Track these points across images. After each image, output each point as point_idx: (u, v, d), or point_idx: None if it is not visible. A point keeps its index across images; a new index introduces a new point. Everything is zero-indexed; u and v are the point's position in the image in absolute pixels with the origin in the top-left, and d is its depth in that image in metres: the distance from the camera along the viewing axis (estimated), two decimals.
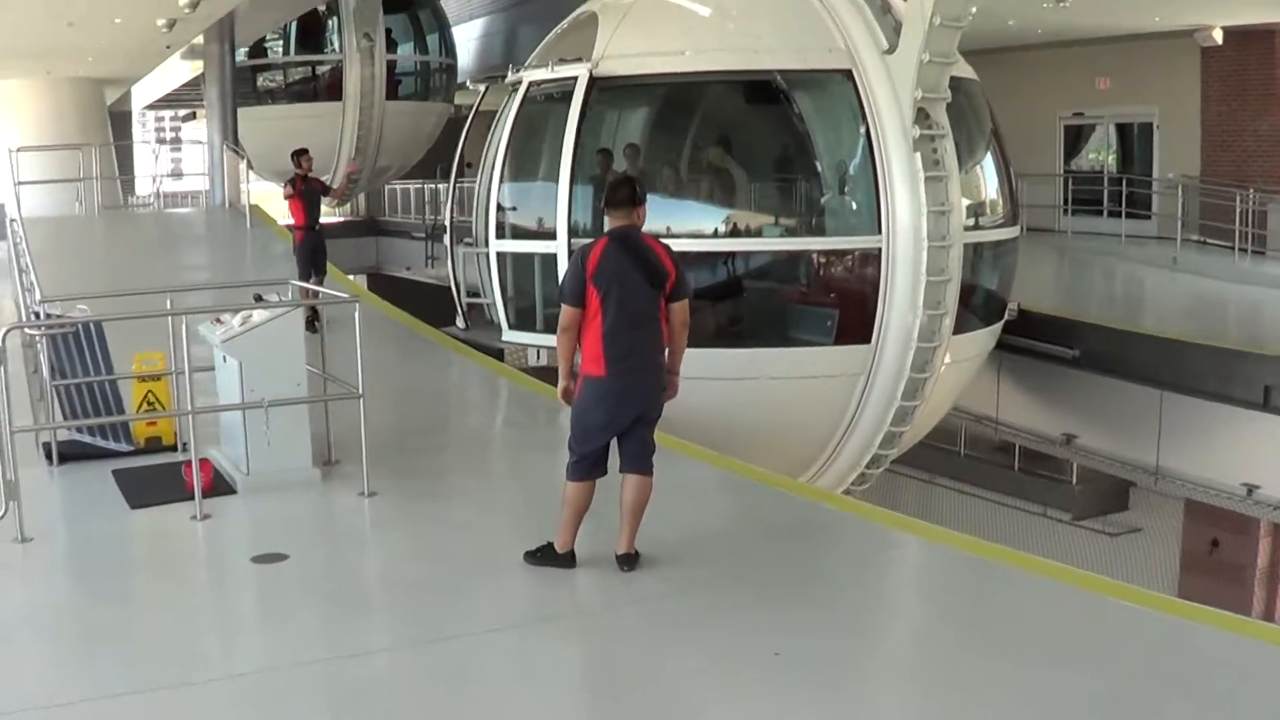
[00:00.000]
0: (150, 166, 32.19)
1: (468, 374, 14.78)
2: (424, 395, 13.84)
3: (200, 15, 19.77)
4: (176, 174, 30.04)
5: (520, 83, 16.48)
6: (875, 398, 15.02)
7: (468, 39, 34.98)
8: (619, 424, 7.45)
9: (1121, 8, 22.00)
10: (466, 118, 19.72)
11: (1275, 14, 23.57)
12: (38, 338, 10.69)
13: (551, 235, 15.15)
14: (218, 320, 9.82)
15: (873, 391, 14.98)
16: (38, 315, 10.85)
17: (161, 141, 45.34)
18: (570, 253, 14.22)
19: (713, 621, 7.00)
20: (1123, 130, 28.13)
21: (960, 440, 22.19)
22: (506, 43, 35.73)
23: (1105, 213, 26.21)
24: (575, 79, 15.23)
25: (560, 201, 14.90)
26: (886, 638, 7.26)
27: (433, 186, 36.80)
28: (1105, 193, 26.71)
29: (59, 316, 10.43)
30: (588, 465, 7.48)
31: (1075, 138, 28.68)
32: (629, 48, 15.39)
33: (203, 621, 7.22)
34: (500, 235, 16.01)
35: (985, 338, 16.60)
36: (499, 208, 16.06)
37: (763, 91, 15.32)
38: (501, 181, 16.06)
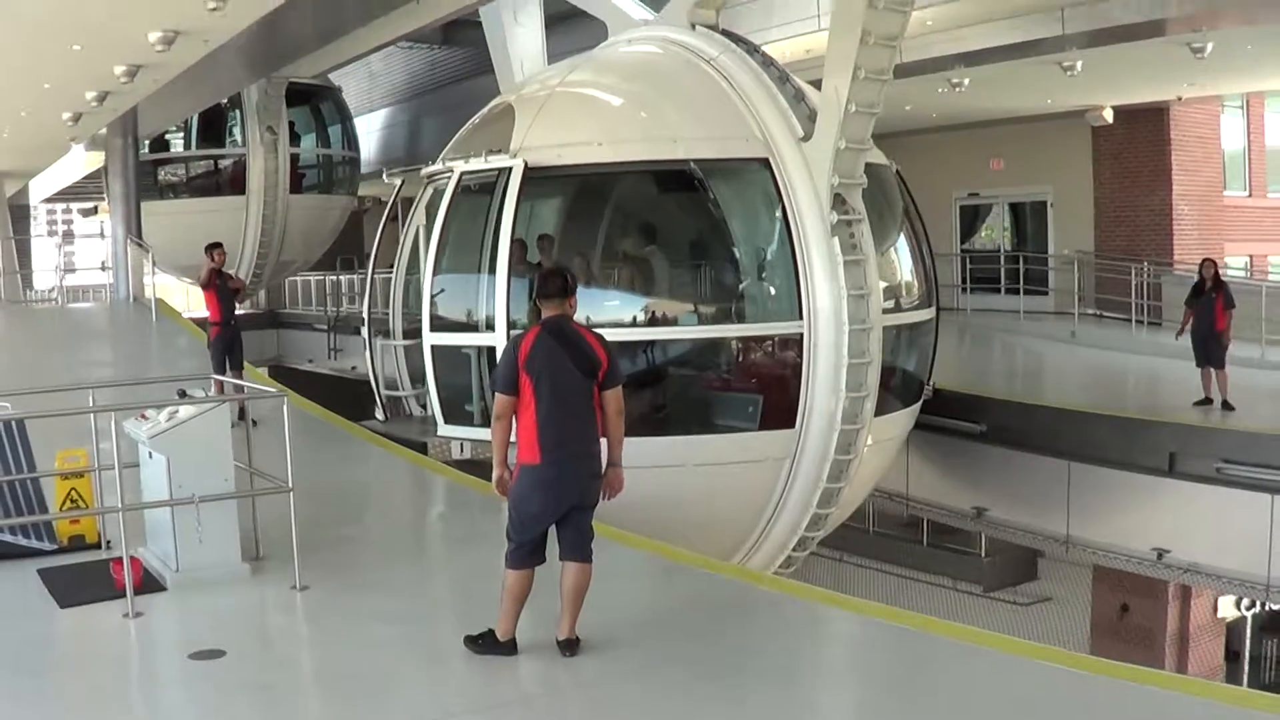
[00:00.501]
0: (52, 260, 31.61)
1: (391, 467, 14.70)
2: (348, 489, 13.75)
3: (106, 109, 19.71)
4: (71, 269, 29.53)
5: (441, 174, 16.53)
6: (801, 481, 15.00)
7: (369, 130, 35.08)
8: (555, 511, 7.53)
9: (1015, 91, 22.69)
10: (367, 210, 19.76)
11: (1162, 93, 24.47)
12: None
13: (488, 327, 15.00)
14: (143, 416, 9.76)
15: (798, 475, 14.96)
16: None
17: (64, 235, 44.64)
18: None
19: (658, 703, 7.07)
20: (1017, 209, 28.93)
21: (869, 518, 22.42)
22: (410, 134, 35.98)
23: (1003, 290, 26.83)
24: (509, 169, 15.12)
25: (498, 292, 14.77)
26: (837, 709, 7.43)
27: (334, 278, 36.79)
28: (1002, 270, 27.34)
29: None
30: (525, 553, 7.53)
31: (972, 217, 29.39)
32: (546, 139, 15.37)
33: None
34: (433, 328, 15.69)
35: (905, 418, 16.70)
36: (431, 300, 15.83)
37: (681, 181, 15.40)
38: (435, 274, 15.81)
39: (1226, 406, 17.82)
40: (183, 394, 10.15)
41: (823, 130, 14.64)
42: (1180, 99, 25.37)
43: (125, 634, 8.61)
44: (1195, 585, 18.70)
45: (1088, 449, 17.40)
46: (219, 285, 16.11)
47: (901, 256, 16.97)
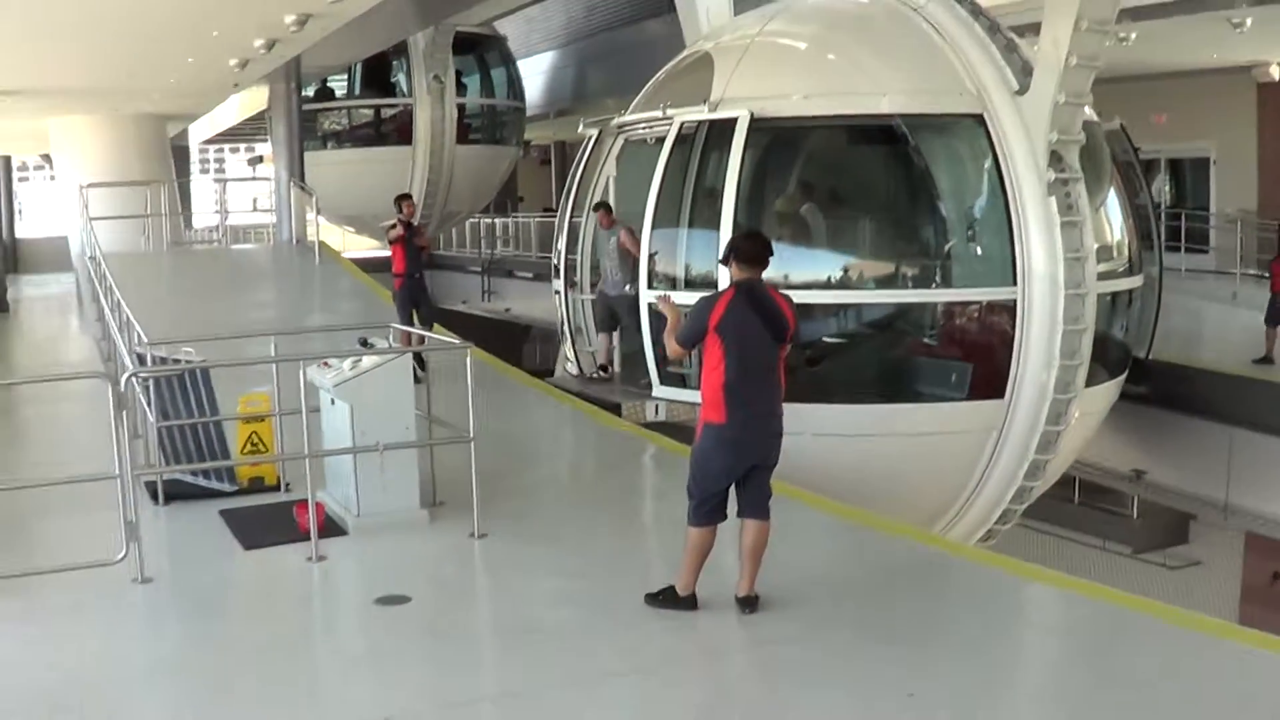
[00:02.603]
0: (211, 202, 32.08)
1: (568, 419, 14.77)
2: (526, 439, 13.81)
3: (274, 55, 20.05)
4: (230, 210, 29.87)
5: (634, 124, 16.40)
6: (1008, 452, 14.61)
7: (533, 73, 34.90)
8: (738, 470, 7.63)
9: (1180, 45, 22.09)
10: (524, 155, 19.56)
11: None
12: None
13: (714, 284, 13.86)
14: (326, 364, 10.02)
15: (1005, 446, 14.57)
16: (141, 358, 11.02)
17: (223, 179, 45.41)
18: None
19: (839, 664, 7.15)
20: (1178, 166, 28.17)
21: None
22: (570, 79, 35.84)
23: (1163, 247, 26.24)
24: (734, 120, 14.60)
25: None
26: (1023, 680, 7.40)
27: (488, 221, 37.00)
28: (1163, 227, 26.73)
29: (173, 360, 10.62)
30: (708, 510, 7.64)
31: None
32: (749, 90, 14.95)
33: (336, 664, 7.48)
34: (652, 285, 14.98)
35: (1113, 389, 16.06)
36: (650, 256, 15.16)
37: (889, 136, 14.95)
38: (653, 229, 15.13)
39: (1267, 360, 18.32)
40: (365, 343, 10.41)
41: (1041, 83, 14.12)
42: None
43: (309, 577, 8.91)
44: None
45: (1250, 415, 17.06)
46: (406, 238, 16.01)
47: (1113, 218, 16.13)
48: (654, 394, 14.85)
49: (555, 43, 37.10)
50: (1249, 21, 20.13)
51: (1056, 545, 21.72)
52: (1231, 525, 18.34)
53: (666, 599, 7.74)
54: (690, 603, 7.69)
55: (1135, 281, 16.10)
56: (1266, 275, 20.40)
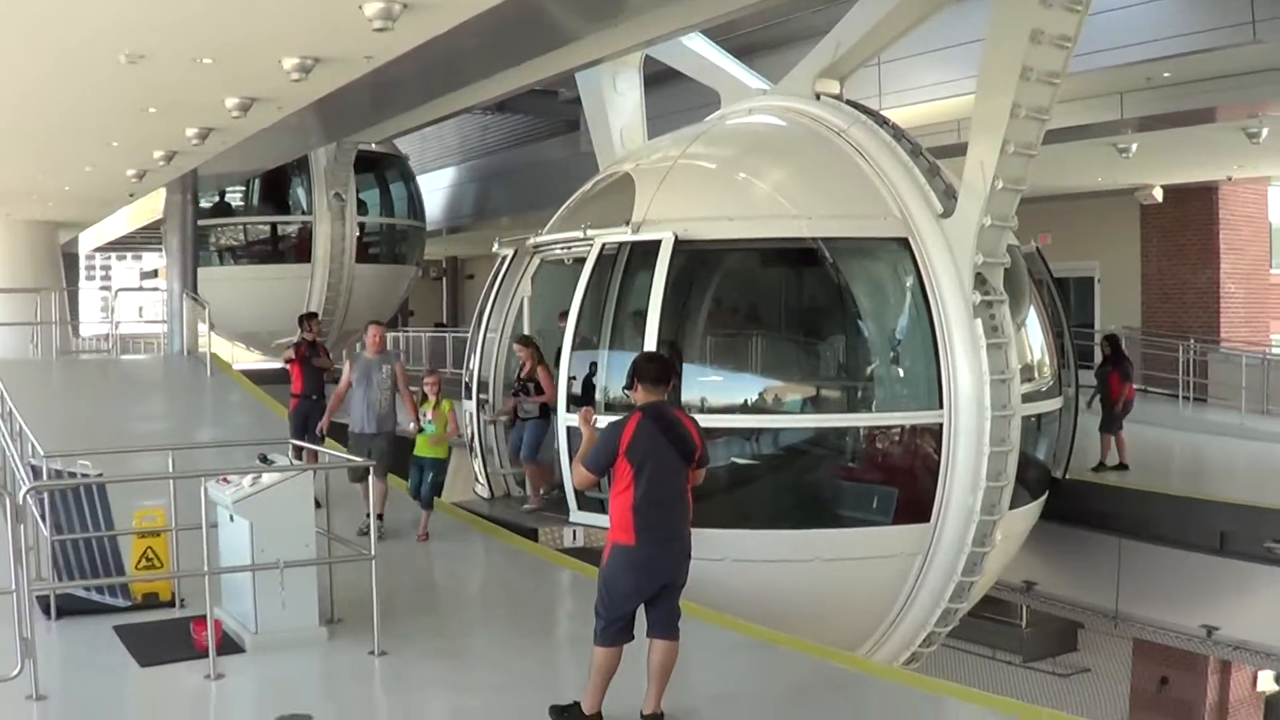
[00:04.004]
0: (104, 312, 31.51)
1: (473, 539, 14.37)
2: (434, 561, 13.49)
3: (172, 167, 20.02)
4: (119, 320, 29.28)
5: (550, 244, 16.32)
6: (934, 575, 14.42)
7: (428, 190, 34.86)
8: (647, 591, 7.67)
9: (1067, 169, 22.81)
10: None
11: (1213, 174, 24.61)
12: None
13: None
14: (225, 480, 9.93)
15: (931, 569, 14.38)
16: (37, 471, 10.84)
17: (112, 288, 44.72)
18: None
19: None
20: (1063, 284, 28.87)
21: None
22: (472, 195, 35.86)
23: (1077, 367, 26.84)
24: (659, 242, 14.36)
25: None
26: None
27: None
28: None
29: (68, 473, 10.47)
30: (616, 631, 7.66)
31: None
32: (669, 213, 14.78)
33: None
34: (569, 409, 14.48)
35: (1034, 510, 15.91)
36: (569, 378, 14.86)
37: (812, 259, 14.79)
38: (572, 350, 14.84)
39: (1122, 468, 18.74)
40: (265, 459, 10.34)
41: (966, 206, 14.15)
42: (1230, 179, 25.54)
43: (208, 695, 8.74)
44: (1241, 662, 18.73)
45: (1138, 527, 17.43)
46: (305, 358, 15.80)
47: (1033, 338, 16.06)
48: (571, 519, 14.48)
49: (451, 160, 37.30)
50: (1134, 147, 20.91)
51: (947, 655, 21.88)
52: (1120, 633, 18.63)
53: (573, 717, 7.73)
54: None
55: (1057, 402, 16.15)
56: (1150, 390, 21.04)
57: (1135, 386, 24.43)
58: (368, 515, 10.67)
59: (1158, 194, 25.55)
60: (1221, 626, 16.55)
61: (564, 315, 15.34)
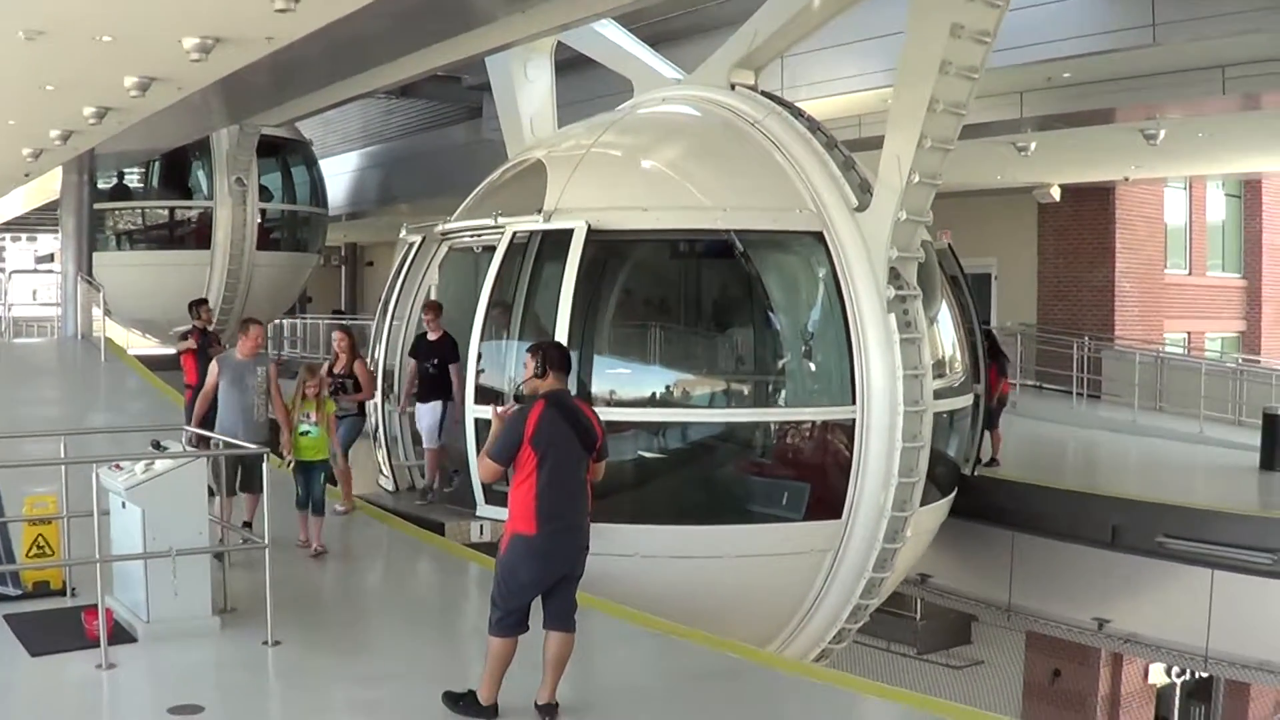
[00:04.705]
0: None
1: (370, 528, 14.10)
2: (332, 553, 12.89)
3: (69, 147, 19.64)
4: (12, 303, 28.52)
5: (459, 232, 15.95)
6: (845, 571, 14.34)
7: (328, 175, 34.44)
8: (546, 582, 7.65)
9: (967, 167, 23.05)
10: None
11: (1110, 174, 25.03)
12: None
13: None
14: (117, 466, 9.77)
15: (842, 565, 14.30)
16: None
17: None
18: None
19: None
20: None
21: None
22: (373, 181, 35.48)
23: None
24: (571, 231, 14.12)
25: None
26: None
27: (276, 322, 36.41)
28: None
29: None
30: (512, 622, 7.63)
31: None
32: (582, 201, 14.56)
33: None
34: (479, 400, 14.17)
35: (944, 508, 15.95)
36: (478, 370, 14.53)
37: (725, 251, 14.62)
38: (481, 340, 14.58)
39: (994, 463, 18.63)
40: (157, 445, 10.17)
41: (882, 200, 14.07)
42: (1127, 179, 26.00)
43: (99, 685, 8.61)
44: (1132, 654, 19.04)
45: (1032, 521, 17.66)
46: (199, 348, 15.36)
47: (945, 334, 16.00)
48: (478, 513, 14.16)
49: (353, 145, 36.87)
50: (1033, 146, 21.20)
51: (843, 647, 22.09)
52: (1013, 625, 18.88)
53: (468, 705, 7.70)
54: (492, 711, 7.67)
55: (969, 399, 16.16)
56: (1044, 386, 21.33)
57: (1028, 383, 25.04)
58: (246, 523, 10.49)
59: (1055, 193, 25.99)
60: (1113, 619, 16.77)
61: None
